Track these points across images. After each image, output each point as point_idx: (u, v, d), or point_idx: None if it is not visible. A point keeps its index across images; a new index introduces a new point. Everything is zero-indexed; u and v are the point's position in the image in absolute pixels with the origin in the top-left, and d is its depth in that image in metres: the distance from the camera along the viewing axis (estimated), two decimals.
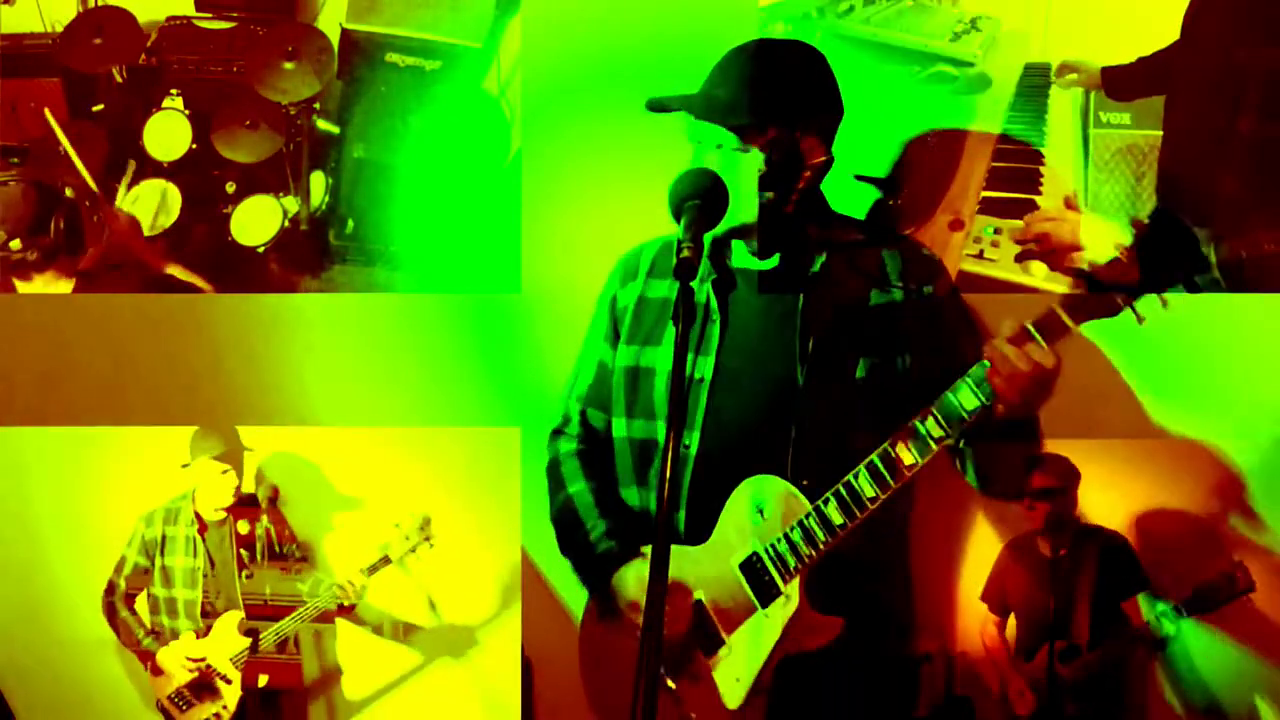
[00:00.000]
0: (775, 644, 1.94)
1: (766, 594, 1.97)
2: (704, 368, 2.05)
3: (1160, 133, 2.58)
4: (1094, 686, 2.56)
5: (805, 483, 1.98)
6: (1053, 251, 2.58)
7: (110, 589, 2.79)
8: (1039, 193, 2.62)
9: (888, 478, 1.91)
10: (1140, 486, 2.58)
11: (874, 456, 1.92)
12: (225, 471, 2.75)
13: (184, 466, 2.76)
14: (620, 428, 2.18)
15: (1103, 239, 2.55)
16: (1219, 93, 2.53)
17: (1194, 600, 2.49)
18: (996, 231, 2.62)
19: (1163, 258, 1.78)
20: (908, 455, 1.91)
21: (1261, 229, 2.51)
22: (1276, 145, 2.51)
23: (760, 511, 1.98)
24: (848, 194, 2.58)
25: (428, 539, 2.67)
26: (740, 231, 2.03)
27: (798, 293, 2.06)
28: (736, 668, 1.97)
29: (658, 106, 2.06)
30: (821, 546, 1.93)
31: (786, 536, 1.96)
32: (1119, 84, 2.59)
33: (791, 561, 1.95)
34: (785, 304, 2.06)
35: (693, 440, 2.04)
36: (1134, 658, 2.57)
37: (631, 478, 2.17)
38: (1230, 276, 2.50)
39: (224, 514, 2.77)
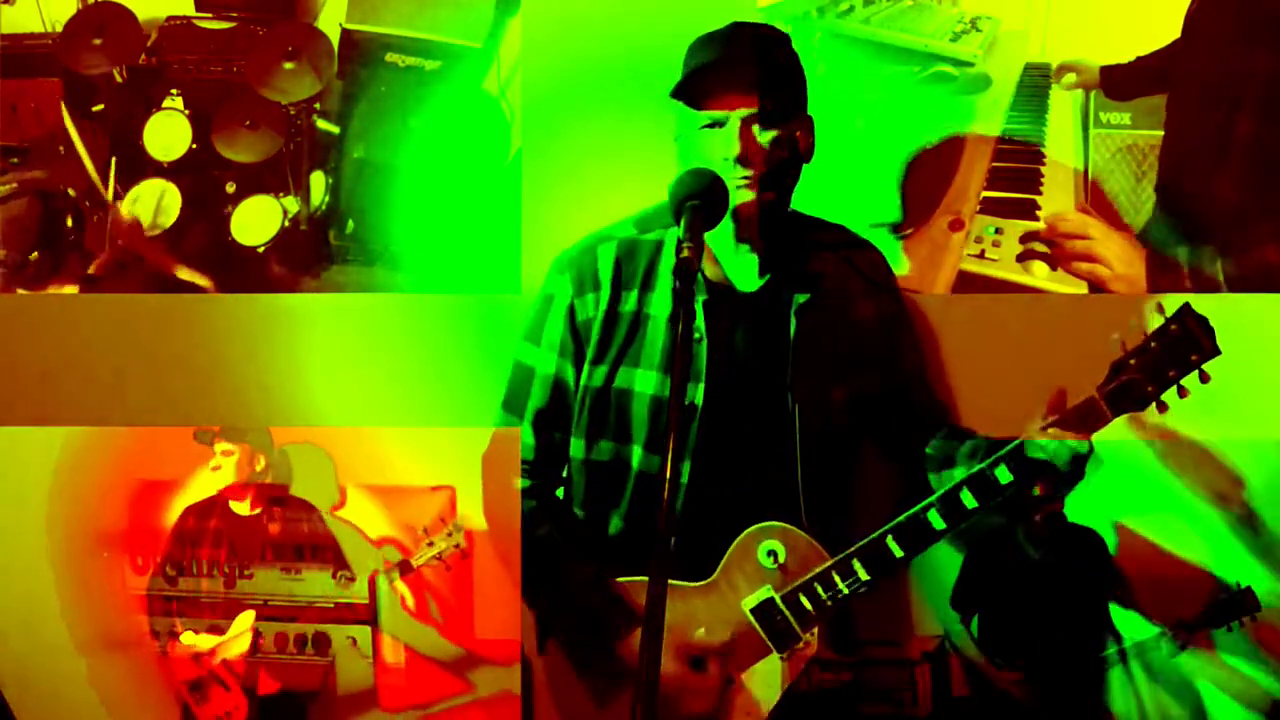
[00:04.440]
0: (789, 685, 1.95)
1: (783, 639, 1.97)
2: (694, 394, 2.01)
3: (1160, 133, 2.58)
4: (1088, 684, 2.56)
5: (817, 529, 1.98)
6: (1064, 257, 2.59)
7: (149, 583, 2.77)
8: (1039, 192, 2.62)
9: (915, 542, 1.94)
10: (1134, 489, 2.58)
11: (903, 519, 1.95)
12: (227, 453, 2.74)
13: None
14: (577, 448, 2.14)
15: (1116, 252, 2.56)
16: (1218, 95, 2.52)
17: (1203, 617, 2.50)
18: (997, 231, 2.61)
19: (1183, 351, 1.88)
20: (938, 521, 1.94)
21: (1268, 242, 2.51)
22: (1276, 150, 2.51)
23: (773, 556, 1.97)
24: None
25: (458, 545, 2.64)
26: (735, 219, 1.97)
27: (787, 316, 2.04)
28: (747, 704, 1.97)
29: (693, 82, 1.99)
30: (842, 599, 1.94)
31: (806, 586, 1.96)
32: (1118, 83, 2.59)
33: (811, 609, 1.96)
34: (774, 328, 2.03)
35: (684, 469, 2.01)
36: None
37: (581, 498, 2.14)
38: (1236, 290, 2.50)
39: (253, 510, 2.76)
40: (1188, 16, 2.51)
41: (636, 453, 2.07)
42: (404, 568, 2.65)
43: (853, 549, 1.95)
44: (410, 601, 2.71)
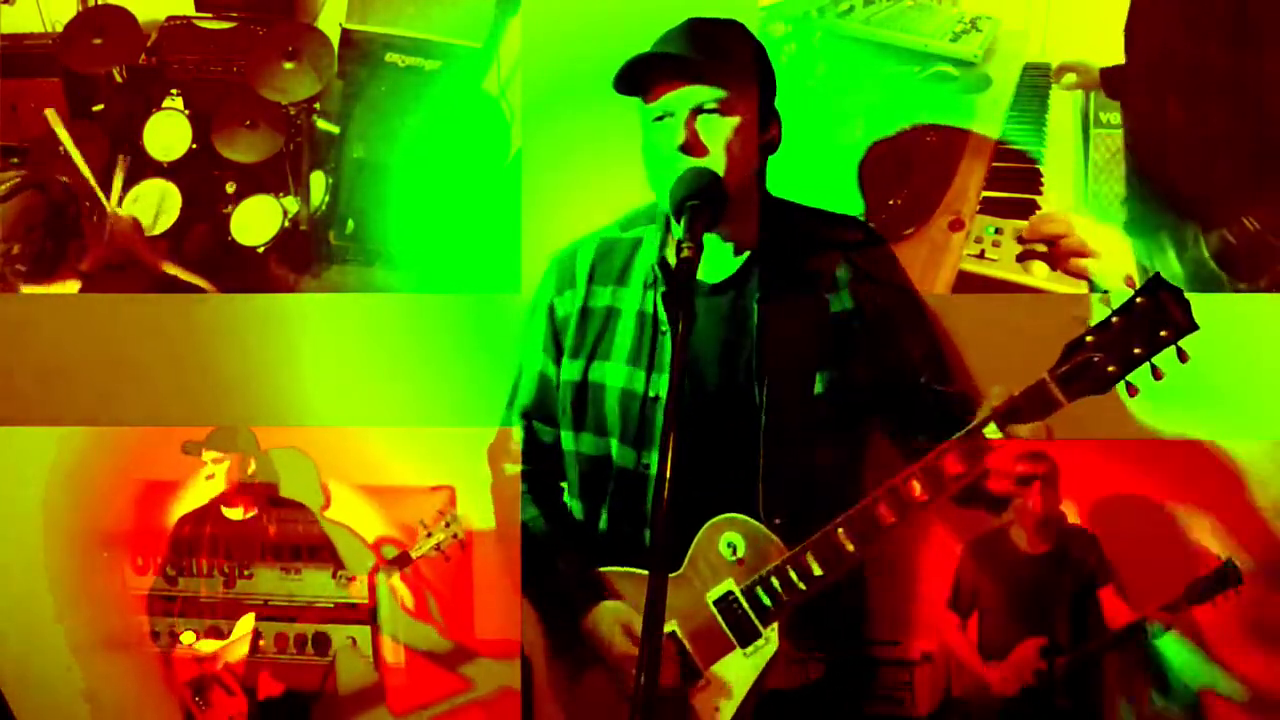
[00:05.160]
0: (754, 682, 1.93)
1: (744, 634, 1.95)
2: (659, 385, 2.00)
3: None
4: (1080, 682, 2.56)
5: (777, 521, 1.95)
6: (1059, 255, 2.59)
7: (149, 583, 2.78)
8: (1039, 193, 2.62)
9: (868, 536, 1.88)
10: (1131, 486, 2.58)
11: (855, 513, 1.88)
12: (217, 460, 2.74)
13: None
14: (568, 441, 2.16)
15: (1104, 245, 2.56)
16: (1152, 89, 2.53)
17: (1188, 595, 2.49)
18: (997, 231, 2.61)
19: (1151, 327, 1.71)
20: (889, 515, 1.87)
21: (1242, 212, 2.50)
22: (1213, 134, 2.50)
23: (733, 549, 1.95)
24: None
25: (456, 535, 2.64)
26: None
27: (751, 305, 2.01)
28: (715, 698, 1.96)
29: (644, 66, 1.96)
30: (800, 594, 1.91)
31: (764, 580, 1.92)
32: (1118, 83, 2.59)
33: (769, 604, 1.92)
34: (739, 318, 2.01)
35: (652, 461, 2.00)
36: (1111, 656, 2.57)
37: (576, 490, 2.15)
38: (1226, 266, 2.50)
39: (247, 514, 2.76)
40: (1129, 13, 2.51)
41: (615, 446, 2.07)
42: (402, 560, 2.65)
43: (805, 543, 1.90)
44: (410, 601, 2.71)
